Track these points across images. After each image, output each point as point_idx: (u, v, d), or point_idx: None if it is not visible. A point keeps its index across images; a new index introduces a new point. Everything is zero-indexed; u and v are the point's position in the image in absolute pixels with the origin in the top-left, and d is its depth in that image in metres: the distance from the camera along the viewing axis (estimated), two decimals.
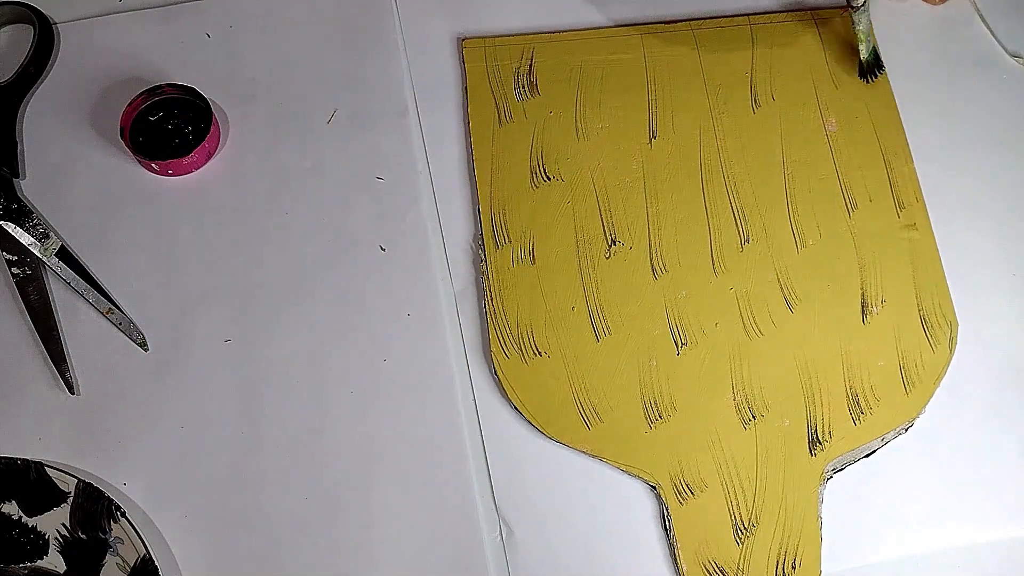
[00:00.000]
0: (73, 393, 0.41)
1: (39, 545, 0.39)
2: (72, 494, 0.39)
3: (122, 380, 0.42)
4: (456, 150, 0.46)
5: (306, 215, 0.45)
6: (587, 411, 0.41)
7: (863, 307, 0.43)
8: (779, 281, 0.44)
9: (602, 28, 0.49)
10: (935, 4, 0.49)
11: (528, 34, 0.48)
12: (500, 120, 0.46)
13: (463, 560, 0.40)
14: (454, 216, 0.45)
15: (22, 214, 0.43)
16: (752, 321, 0.43)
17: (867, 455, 0.41)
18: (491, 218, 0.44)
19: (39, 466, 0.39)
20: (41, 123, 0.46)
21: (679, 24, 0.49)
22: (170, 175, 0.45)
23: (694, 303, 0.43)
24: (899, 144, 0.47)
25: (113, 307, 0.42)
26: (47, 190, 0.45)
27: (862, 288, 0.44)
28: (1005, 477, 0.41)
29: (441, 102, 0.47)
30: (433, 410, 0.42)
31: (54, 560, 0.39)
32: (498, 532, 0.40)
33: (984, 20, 0.50)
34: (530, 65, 0.48)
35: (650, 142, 0.46)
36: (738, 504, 0.40)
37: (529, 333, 0.42)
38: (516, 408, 0.41)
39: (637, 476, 0.41)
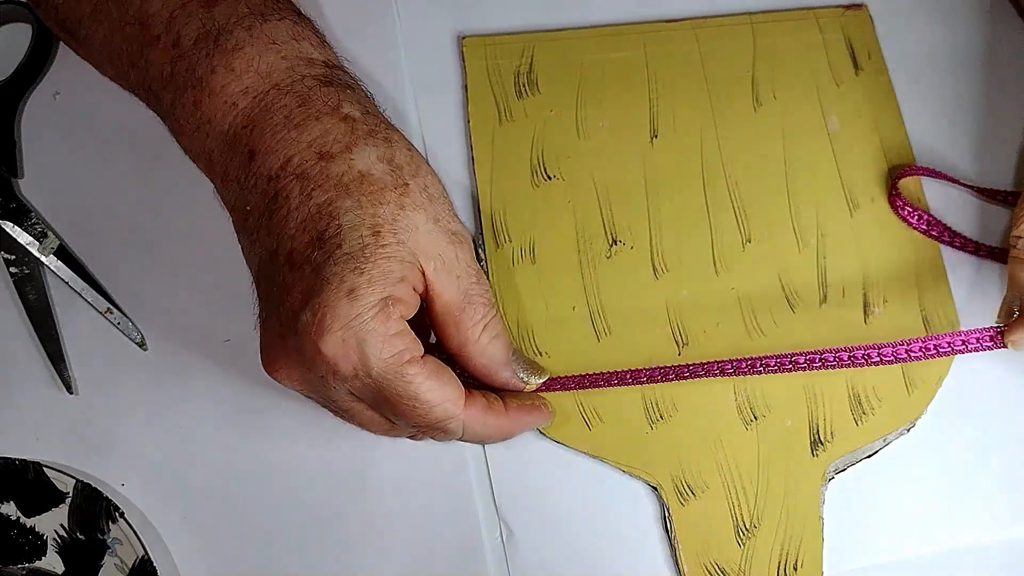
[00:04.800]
0: (71, 393, 0.41)
1: (37, 546, 0.39)
2: (70, 494, 0.39)
3: (121, 380, 0.42)
4: (456, 149, 0.46)
5: None
6: (587, 411, 0.41)
7: (865, 307, 0.43)
8: (780, 281, 0.44)
9: (603, 26, 0.48)
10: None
11: (529, 32, 0.48)
12: (500, 119, 0.46)
13: (463, 560, 0.39)
14: None
15: (20, 213, 0.43)
16: (753, 321, 0.43)
17: (869, 456, 0.41)
18: (491, 217, 0.44)
19: (37, 466, 0.39)
20: (40, 122, 0.46)
21: (680, 23, 0.49)
22: None
23: (695, 303, 0.43)
24: (900, 143, 0.47)
25: (112, 306, 0.42)
26: (45, 189, 0.45)
27: (864, 288, 0.44)
28: (1008, 478, 0.41)
29: (441, 101, 0.47)
30: None
31: (52, 561, 0.39)
32: (498, 533, 0.40)
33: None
34: (531, 64, 0.47)
35: (651, 141, 0.46)
36: (740, 505, 0.40)
37: (529, 333, 0.42)
38: None
39: (638, 477, 0.40)
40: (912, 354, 0.39)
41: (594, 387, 0.40)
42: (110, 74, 0.41)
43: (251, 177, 0.35)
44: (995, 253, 0.44)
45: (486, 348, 0.36)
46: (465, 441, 0.37)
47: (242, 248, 0.37)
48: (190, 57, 0.36)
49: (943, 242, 0.45)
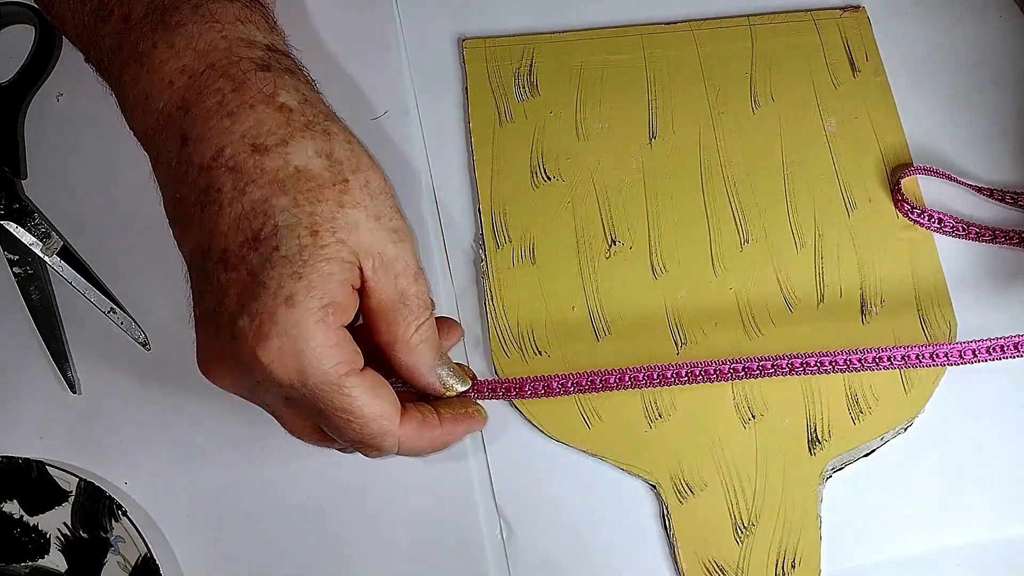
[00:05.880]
0: (75, 392, 0.42)
1: (40, 544, 0.39)
2: (73, 493, 0.39)
3: (124, 379, 0.42)
4: (456, 150, 0.47)
5: None
6: (587, 410, 0.41)
7: (862, 307, 0.44)
8: (778, 281, 0.44)
9: (602, 28, 0.49)
10: None
11: (528, 34, 0.48)
12: (500, 120, 0.46)
13: (463, 558, 0.40)
14: (454, 216, 0.45)
15: (24, 214, 0.43)
16: (752, 321, 0.43)
17: (866, 454, 0.41)
18: (491, 218, 0.45)
19: (40, 465, 0.39)
20: (43, 123, 0.46)
21: (679, 24, 0.49)
22: None
23: (694, 303, 0.43)
24: (898, 144, 0.47)
25: (115, 306, 0.42)
26: (49, 190, 0.45)
27: (861, 288, 0.44)
28: (1004, 476, 0.42)
29: (441, 102, 0.47)
30: None
31: (55, 559, 0.39)
32: (498, 530, 0.40)
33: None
34: (530, 65, 0.48)
35: (650, 142, 0.46)
36: (738, 503, 0.40)
37: (529, 333, 0.43)
38: (516, 408, 0.41)
39: (637, 475, 0.41)
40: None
41: (530, 396, 0.40)
42: (82, 52, 0.40)
43: (182, 164, 0.34)
44: (1014, 238, 0.45)
45: (414, 349, 0.35)
46: (399, 455, 0.36)
47: (174, 235, 0.35)
48: (136, 31, 0.35)
49: (957, 235, 0.45)
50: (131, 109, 0.36)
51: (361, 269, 0.33)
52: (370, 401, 0.33)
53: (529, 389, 0.40)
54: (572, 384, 0.40)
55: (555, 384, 0.40)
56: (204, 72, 0.34)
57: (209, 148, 0.33)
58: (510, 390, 0.40)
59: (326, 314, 0.32)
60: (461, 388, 0.38)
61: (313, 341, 0.32)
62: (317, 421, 0.35)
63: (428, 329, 0.36)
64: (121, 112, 0.37)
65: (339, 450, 0.38)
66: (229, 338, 0.32)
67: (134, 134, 0.37)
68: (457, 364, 0.40)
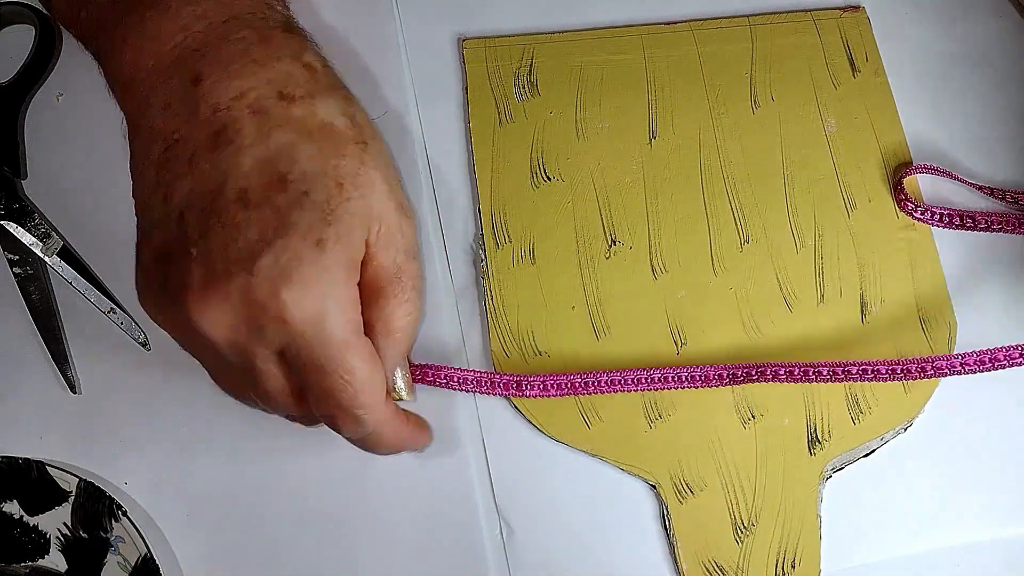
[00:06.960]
0: (75, 392, 0.42)
1: (40, 544, 0.39)
2: (73, 493, 0.39)
3: (124, 379, 0.42)
4: (456, 150, 0.47)
5: None
6: (587, 410, 0.41)
7: (862, 307, 0.44)
8: (778, 281, 0.44)
9: (602, 28, 0.49)
10: None
11: (528, 34, 0.48)
12: (500, 120, 0.46)
13: (463, 558, 0.40)
14: (454, 216, 0.45)
15: (24, 214, 0.43)
16: (752, 321, 0.43)
17: (866, 455, 0.41)
18: (491, 218, 0.45)
19: (40, 465, 0.39)
20: (43, 123, 0.46)
21: (679, 24, 0.49)
22: None
23: (694, 303, 0.43)
24: (898, 144, 0.47)
25: (115, 307, 0.42)
26: (49, 190, 0.45)
27: (861, 288, 0.44)
28: (1004, 476, 0.42)
29: (441, 102, 0.47)
30: (433, 409, 0.42)
31: (55, 559, 0.39)
32: (498, 530, 0.40)
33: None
34: (530, 65, 0.48)
35: (650, 142, 0.46)
36: (738, 503, 0.40)
37: (529, 333, 0.43)
38: (516, 408, 0.41)
39: (637, 475, 0.41)
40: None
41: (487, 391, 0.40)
42: (63, 13, 0.40)
43: (189, 103, 0.33)
44: None
45: (392, 334, 0.34)
46: (357, 438, 0.35)
47: (144, 181, 0.34)
48: None
49: (965, 228, 0.45)
50: (123, 54, 0.35)
51: (368, 233, 0.33)
52: (372, 368, 0.33)
53: (487, 384, 0.40)
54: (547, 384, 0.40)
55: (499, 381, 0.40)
56: (227, 21, 0.34)
57: (228, 89, 0.33)
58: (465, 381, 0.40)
59: (351, 266, 0.32)
60: (406, 397, 0.37)
61: (338, 289, 0.31)
62: (305, 380, 0.33)
63: (413, 314, 0.35)
64: (102, 62, 0.36)
65: (301, 421, 0.36)
66: (244, 273, 0.31)
67: (112, 85, 0.36)
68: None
